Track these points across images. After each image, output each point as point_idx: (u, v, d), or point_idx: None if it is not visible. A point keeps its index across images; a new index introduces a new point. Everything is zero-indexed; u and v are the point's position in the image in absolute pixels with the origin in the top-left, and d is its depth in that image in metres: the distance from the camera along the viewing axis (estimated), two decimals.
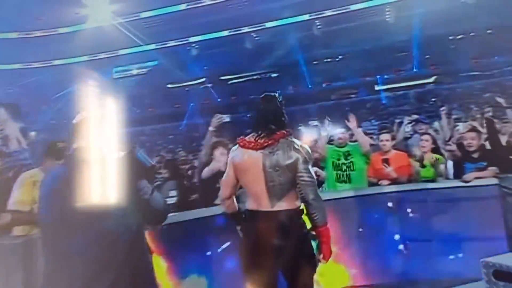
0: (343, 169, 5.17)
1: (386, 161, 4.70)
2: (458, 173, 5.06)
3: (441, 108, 7.39)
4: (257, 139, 2.93)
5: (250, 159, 2.93)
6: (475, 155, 5.01)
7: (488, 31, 14.82)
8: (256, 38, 14.22)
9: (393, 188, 4.52)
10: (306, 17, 12.67)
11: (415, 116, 8.12)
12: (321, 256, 2.89)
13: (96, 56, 16.61)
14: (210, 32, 12.67)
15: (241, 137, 3.09)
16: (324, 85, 19.23)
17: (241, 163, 2.98)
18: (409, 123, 7.40)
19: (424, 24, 13.35)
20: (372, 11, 13.82)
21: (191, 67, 14.44)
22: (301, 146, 2.91)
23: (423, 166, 5.03)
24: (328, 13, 12.59)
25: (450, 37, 15.51)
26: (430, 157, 5.19)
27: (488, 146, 5.34)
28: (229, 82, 17.97)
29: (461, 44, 15.70)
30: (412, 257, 4.33)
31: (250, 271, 2.95)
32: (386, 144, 4.76)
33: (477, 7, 12.45)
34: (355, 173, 5.03)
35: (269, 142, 2.89)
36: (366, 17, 13.83)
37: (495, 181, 4.78)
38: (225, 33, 12.65)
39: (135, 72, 17.77)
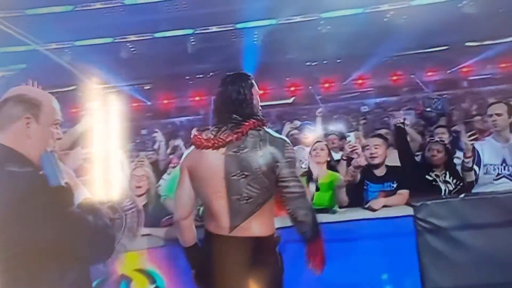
0: None
1: None
2: (356, 199, 4.14)
3: (318, 110, 6.98)
4: (217, 134, 2.28)
5: (208, 163, 2.24)
6: (380, 172, 4.22)
7: (338, 60, 17.34)
8: (132, 49, 14.49)
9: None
10: (182, 32, 13.28)
11: (297, 122, 7.10)
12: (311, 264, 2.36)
13: None
14: (87, 38, 12.59)
15: (196, 133, 2.48)
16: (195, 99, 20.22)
17: (197, 169, 2.27)
18: (290, 131, 6.60)
19: (288, 48, 15.11)
20: (241, 33, 15.03)
21: (65, 72, 14.11)
22: (281, 139, 2.28)
23: (318, 188, 3.92)
24: (214, 29, 13.26)
25: (307, 63, 17.68)
26: (327, 175, 4.25)
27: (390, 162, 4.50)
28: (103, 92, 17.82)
29: (315, 69, 17.97)
30: None
31: None
32: None
33: (328, 35, 14.55)
34: None
35: (234, 136, 2.22)
36: (235, 38, 15.09)
37: (408, 210, 3.93)
38: (101, 40, 12.69)
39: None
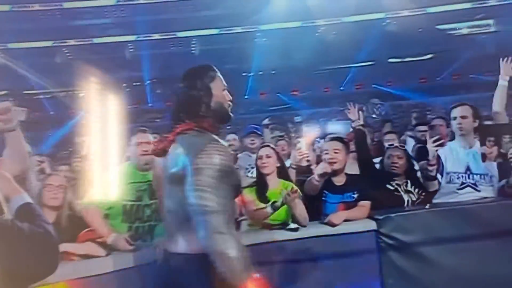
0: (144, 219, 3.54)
1: None
2: (313, 211, 3.66)
3: (264, 121, 6.60)
4: (160, 137, 2.12)
5: (155, 171, 2.18)
6: (339, 181, 3.86)
7: (272, 71, 18.02)
8: (67, 54, 14.20)
9: None
10: (122, 38, 13.22)
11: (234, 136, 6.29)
12: None
13: None
14: (25, 41, 12.16)
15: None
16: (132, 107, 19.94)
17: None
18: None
19: (226, 58, 15.52)
20: (180, 42, 15.21)
21: None
22: (202, 144, 1.86)
23: (274, 208, 3.33)
24: (156, 36, 13.43)
25: (244, 73, 18.19)
26: (279, 186, 3.69)
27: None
28: (35, 97, 17.13)
29: (251, 79, 18.46)
30: None
31: None
32: None
33: (264, 47, 15.17)
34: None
35: (164, 143, 2.04)
36: (174, 47, 15.26)
37: (371, 224, 3.56)
38: (36, 44, 12.33)
39: None
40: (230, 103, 2.23)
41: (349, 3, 17.23)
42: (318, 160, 4.57)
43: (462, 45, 20.18)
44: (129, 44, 14.06)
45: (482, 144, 4.17)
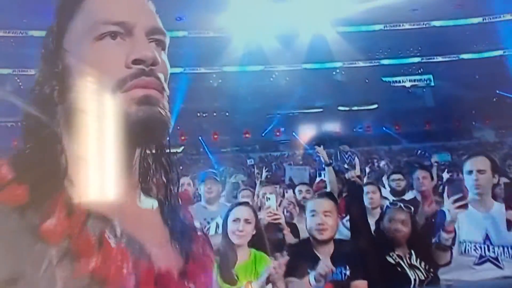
0: None
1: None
2: None
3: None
4: None
5: None
6: (325, 252, 2.82)
7: (223, 113, 18.17)
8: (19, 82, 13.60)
9: None
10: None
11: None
12: None
13: None
14: None
15: None
16: None
17: None
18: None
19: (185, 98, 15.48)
20: None
21: None
22: None
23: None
24: None
25: (198, 114, 18.15)
26: (249, 258, 2.75)
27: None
28: None
29: (204, 120, 18.55)
30: None
31: None
32: None
33: (219, 88, 15.32)
34: None
35: None
36: None
37: None
38: None
39: None
40: None
41: (301, 51, 18.09)
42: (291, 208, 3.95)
43: (405, 96, 21.62)
44: None
45: (508, 207, 3.18)
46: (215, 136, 19.26)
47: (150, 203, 0.72)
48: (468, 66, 21.33)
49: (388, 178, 5.21)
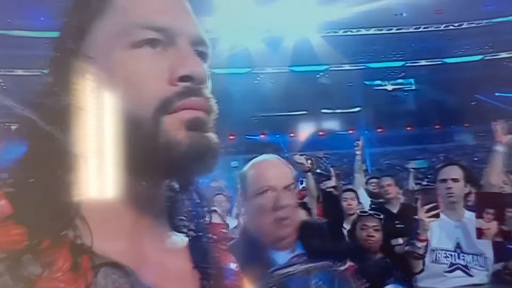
0: None
1: None
2: None
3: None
4: None
5: None
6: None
7: None
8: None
9: None
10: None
11: None
12: None
13: None
14: None
15: None
16: None
17: None
18: None
19: None
20: None
21: None
22: None
23: None
24: None
25: None
26: None
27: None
28: None
29: None
30: None
31: None
32: None
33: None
34: None
35: None
36: None
37: None
38: None
39: None
40: None
41: (286, 54, 18.18)
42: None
43: (387, 100, 21.94)
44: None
45: (479, 216, 3.20)
46: None
47: (177, 243, 0.59)
48: (449, 71, 21.80)
49: (366, 182, 5.35)
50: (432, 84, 21.69)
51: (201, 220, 0.62)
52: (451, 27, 20.77)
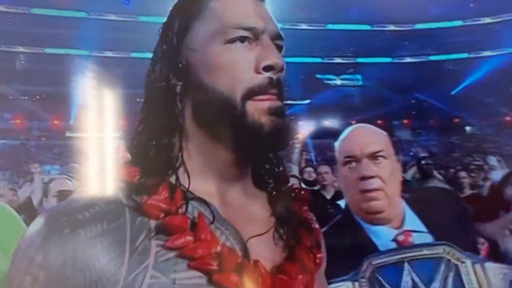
0: None
1: None
2: None
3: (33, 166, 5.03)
4: None
5: None
6: None
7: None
8: None
9: None
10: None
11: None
12: None
13: None
14: None
15: None
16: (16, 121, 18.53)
17: None
18: None
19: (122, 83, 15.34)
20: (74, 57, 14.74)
21: None
22: None
23: None
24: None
25: (137, 99, 18.06)
26: None
27: None
28: None
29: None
30: None
31: None
32: None
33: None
34: None
35: None
36: (65, 63, 14.87)
37: None
38: None
39: None
40: None
41: None
42: None
43: (335, 94, 22.75)
44: (22, 56, 13.29)
45: None
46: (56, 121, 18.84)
47: (258, 192, 0.70)
48: (395, 70, 22.99)
49: (301, 172, 5.67)
50: (377, 81, 22.76)
51: (283, 175, 0.71)
52: (398, 28, 21.79)
